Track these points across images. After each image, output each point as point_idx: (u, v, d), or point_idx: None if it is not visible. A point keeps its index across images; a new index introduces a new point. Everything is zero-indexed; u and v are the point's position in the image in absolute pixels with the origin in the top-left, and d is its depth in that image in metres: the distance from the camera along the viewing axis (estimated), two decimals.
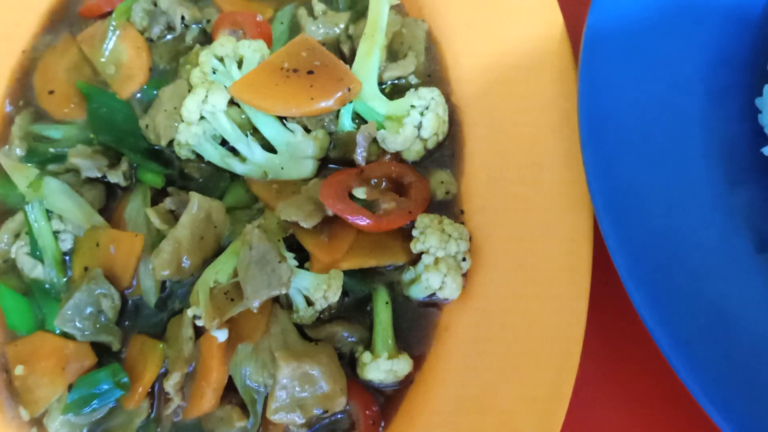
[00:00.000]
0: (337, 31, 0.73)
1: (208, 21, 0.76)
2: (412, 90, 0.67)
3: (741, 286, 0.59)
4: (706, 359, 0.55)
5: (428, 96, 0.66)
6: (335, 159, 0.66)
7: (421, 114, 0.65)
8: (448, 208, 0.66)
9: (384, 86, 0.71)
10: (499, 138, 0.66)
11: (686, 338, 0.55)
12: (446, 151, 0.68)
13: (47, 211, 0.69)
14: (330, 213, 0.61)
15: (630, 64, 0.62)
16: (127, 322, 0.66)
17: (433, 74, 0.72)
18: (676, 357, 0.55)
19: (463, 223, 0.64)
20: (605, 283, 0.60)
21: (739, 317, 0.58)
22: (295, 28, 0.74)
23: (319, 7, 0.74)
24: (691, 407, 0.54)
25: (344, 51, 0.71)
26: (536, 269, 0.60)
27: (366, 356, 0.59)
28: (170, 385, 0.59)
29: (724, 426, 0.52)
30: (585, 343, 0.57)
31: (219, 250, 0.63)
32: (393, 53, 0.72)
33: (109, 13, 0.77)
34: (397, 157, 0.67)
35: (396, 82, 0.71)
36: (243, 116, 0.66)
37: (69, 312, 0.62)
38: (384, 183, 0.65)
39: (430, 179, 0.66)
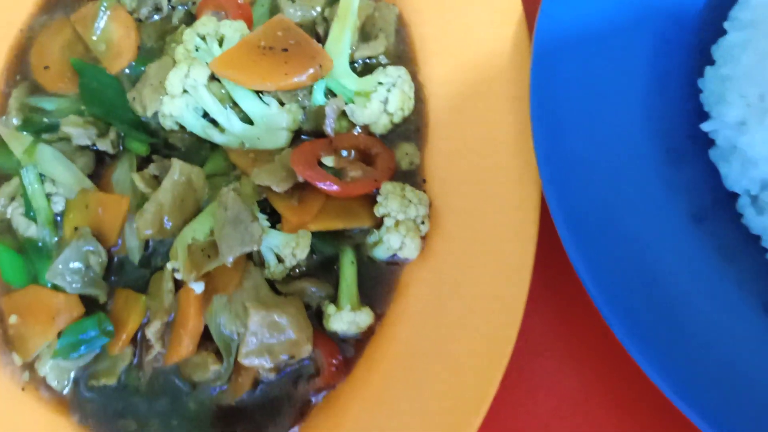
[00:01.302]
0: (314, 13, 0.77)
1: (194, 3, 0.80)
2: (381, 68, 0.72)
3: (675, 252, 0.64)
4: (639, 317, 0.60)
5: (395, 74, 0.71)
6: (308, 131, 0.72)
7: (388, 90, 0.70)
8: (412, 177, 0.71)
9: (356, 65, 0.75)
10: (459, 115, 0.71)
11: (621, 298, 0.60)
12: (411, 125, 0.73)
13: (41, 175, 0.74)
14: (300, 179, 0.66)
15: (578, 48, 0.66)
16: (113, 278, 0.71)
17: (402, 55, 0.76)
18: (612, 315, 0.59)
19: (424, 191, 0.70)
20: (551, 247, 0.65)
21: (672, 281, 0.63)
22: (274, 11, 0.78)
23: None
24: (626, 361, 0.59)
25: (319, 32, 0.75)
26: (488, 233, 0.65)
27: (331, 308, 0.65)
28: (151, 332, 0.65)
29: (653, 376, 0.57)
30: (532, 301, 0.63)
31: (198, 213, 0.68)
32: (365, 34, 0.77)
33: None
34: (366, 130, 0.72)
35: (368, 61, 0.75)
36: (223, 90, 0.70)
37: (60, 266, 0.68)
38: (353, 154, 0.71)
39: (396, 151, 0.71)
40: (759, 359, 0.59)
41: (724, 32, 0.68)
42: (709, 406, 0.56)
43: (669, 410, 0.57)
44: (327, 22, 0.76)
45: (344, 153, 0.70)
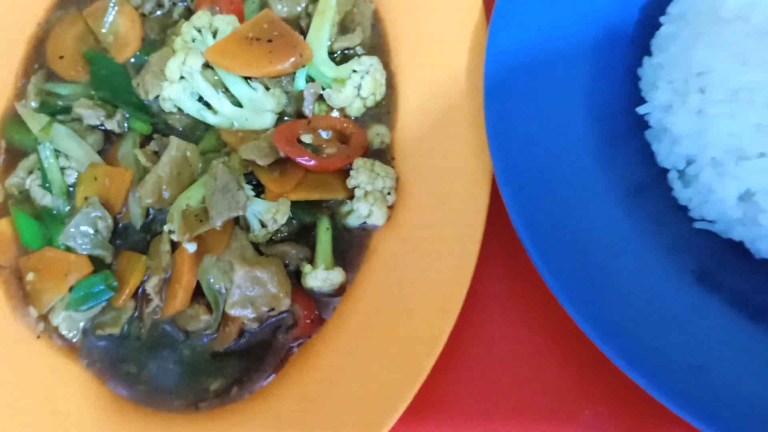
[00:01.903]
0: (299, 9, 0.85)
1: None
2: (356, 58, 0.81)
3: (613, 223, 0.70)
4: (576, 279, 0.66)
5: (368, 63, 0.79)
6: (290, 113, 0.80)
7: (362, 78, 0.78)
8: (383, 155, 0.79)
9: (336, 55, 0.83)
10: (425, 100, 0.78)
11: (559, 263, 0.66)
12: (383, 108, 0.81)
13: (56, 151, 0.82)
14: (282, 154, 0.75)
15: (527, 43, 0.73)
16: (118, 241, 0.80)
17: (377, 46, 0.84)
18: (551, 278, 0.65)
19: (393, 167, 0.78)
20: (502, 217, 0.73)
21: (608, 248, 0.69)
22: (264, 6, 0.85)
23: None
24: (565, 314, 0.67)
25: (303, 26, 0.84)
26: (446, 204, 0.72)
27: (307, 268, 0.73)
28: (150, 286, 0.74)
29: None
30: (484, 263, 0.71)
31: (193, 184, 0.77)
32: (345, 28, 0.85)
33: None
34: (342, 112, 0.80)
35: (346, 51, 0.83)
36: (215, 77, 0.79)
37: (71, 230, 0.77)
38: (331, 133, 0.79)
39: (369, 131, 0.79)
40: (683, 317, 0.65)
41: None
42: (637, 356, 0.62)
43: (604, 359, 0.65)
44: (309, 16, 0.84)
45: (323, 133, 0.79)
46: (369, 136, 0.79)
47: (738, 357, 0.61)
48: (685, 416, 0.58)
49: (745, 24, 0.64)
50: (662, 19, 0.75)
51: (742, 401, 0.59)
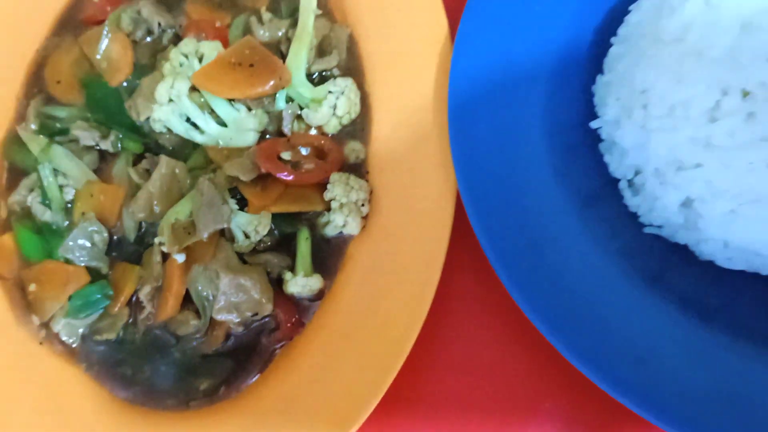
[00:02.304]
0: (279, 34, 0.90)
1: (180, 26, 0.93)
2: (332, 79, 0.87)
3: (569, 229, 0.74)
4: (534, 284, 0.71)
5: (343, 84, 0.85)
6: (272, 132, 0.86)
7: (337, 98, 0.84)
8: (358, 169, 0.84)
9: (314, 76, 0.89)
10: (396, 117, 0.84)
11: (518, 270, 0.71)
12: (358, 126, 0.86)
13: (54, 170, 0.87)
14: (263, 170, 0.81)
15: (488, 64, 0.78)
16: (113, 253, 0.85)
17: (352, 68, 0.89)
18: (506, 278, 0.71)
19: (367, 180, 0.84)
20: (467, 228, 0.79)
21: (564, 254, 0.73)
22: (247, 32, 0.91)
23: (266, 16, 0.91)
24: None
25: (283, 50, 0.89)
26: (416, 214, 0.78)
27: (288, 275, 0.79)
28: (143, 294, 0.79)
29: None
30: (451, 268, 0.77)
31: (181, 199, 0.83)
32: (322, 51, 0.90)
33: (104, 21, 0.93)
34: (320, 130, 0.86)
35: (324, 73, 0.89)
36: (202, 99, 0.85)
37: (70, 244, 0.82)
38: (309, 150, 0.85)
39: (344, 147, 0.85)
40: (631, 315, 0.70)
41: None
42: (585, 350, 0.67)
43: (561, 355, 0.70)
44: (289, 41, 0.90)
45: (303, 149, 0.85)
46: (345, 151, 0.85)
47: (677, 350, 0.67)
48: (625, 402, 0.63)
49: (681, 45, 0.69)
50: (613, 39, 0.81)
51: (680, 390, 0.64)
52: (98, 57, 0.93)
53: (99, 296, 0.81)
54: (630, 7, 0.81)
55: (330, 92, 0.84)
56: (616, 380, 0.65)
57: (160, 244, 0.79)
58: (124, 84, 0.92)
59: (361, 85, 0.88)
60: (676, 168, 0.70)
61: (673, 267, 0.75)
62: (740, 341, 0.69)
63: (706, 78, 0.67)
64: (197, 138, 0.85)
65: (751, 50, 0.65)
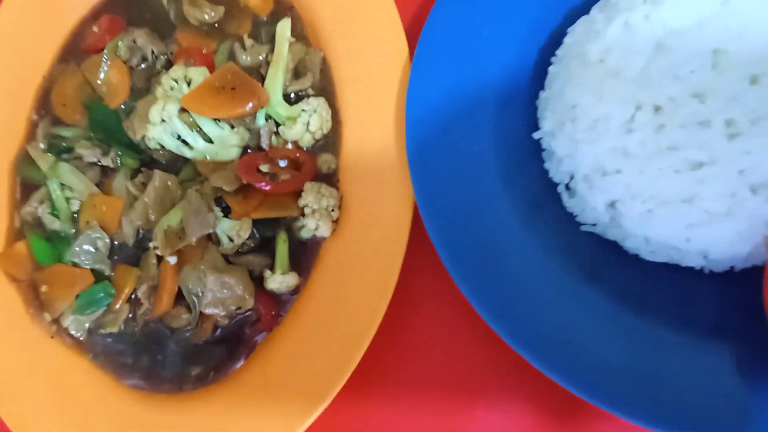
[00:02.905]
0: (260, 59, 0.98)
1: (172, 53, 1.00)
2: (306, 98, 0.96)
3: (515, 230, 0.81)
4: (471, 273, 0.78)
5: (315, 103, 0.94)
6: (253, 146, 0.94)
7: (309, 115, 0.93)
8: (330, 178, 0.92)
9: (291, 96, 0.98)
10: (364, 132, 0.91)
11: (463, 263, 0.79)
12: (330, 139, 0.94)
13: (61, 184, 0.95)
14: (245, 181, 0.91)
15: (442, 83, 0.86)
16: (115, 257, 0.93)
17: (325, 88, 0.96)
18: (455, 273, 0.78)
19: (338, 188, 0.93)
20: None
21: (510, 253, 0.80)
22: (231, 58, 0.99)
23: (248, 43, 0.99)
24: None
25: (263, 73, 0.98)
26: (380, 217, 0.85)
27: (268, 273, 0.88)
28: (141, 292, 0.89)
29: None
30: (411, 264, 0.86)
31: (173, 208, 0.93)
32: (298, 73, 0.98)
33: (103, 49, 1.00)
34: (296, 144, 0.95)
35: (299, 93, 0.97)
36: (190, 119, 0.91)
37: (77, 249, 0.91)
38: (286, 162, 0.95)
39: (318, 159, 0.92)
40: (566, 305, 0.78)
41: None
42: (522, 334, 0.75)
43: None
44: (269, 64, 1.01)
45: (281, 162, 0.95)
46: (318, 163, 0.94)
47: (599, 333, 0.75)
48: (552, 377, 0.72)
49: (602, 66, 0.79)
50: (552, 59, 0.91)
51: (600, 366, 0.72)
52: (99, 82, 1.00)
53: (102, 295, 0.90)
54: (567, 30, 0.90)
55: (304, 110, 0.93)
56: (545, 359, 0.73)
57: (155, 247, 0.89)
58: (122, 106, 0.99)
59: (332, 104, 0.95)
60: (601, 174, 0.79)
61: (606, 260, 0.82)
62: (656, 325, 0.76)
63: (622, 95, 0.76)
64: (187, 153, 0.94)
65: (661, 70, 0.75)
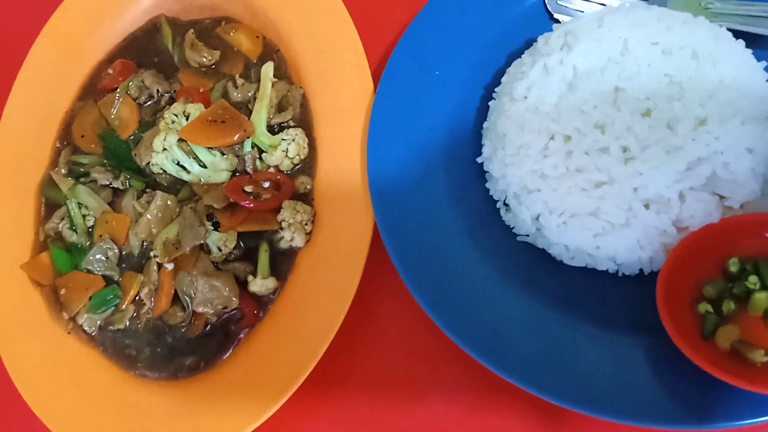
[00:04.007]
0: (249, 95, 1.12)
1: (174, 91, 1.14)
2: (286, 129, 1.12)
3: (458, 245, 0.91)
4: (421, 277, 0.88)
5: (294, 133, 1.09)
6: (240, 170, 1.09)
7: (288, 144, 1.09)
8: (306, 197, 1.03)
9: (275, 127, 1.15)
10: (335, 158, 1.04)
11: (416, 273, 0.89)
12: (307, 164, 1.06)
13: (79, 204, 1.07)
14: (232, 200, 1.07)
15: (398, 116, 0.98)
16: (123, 264, 1.05)
17: (304, 120, 1.09)
18: (407, 279, 0.88)
19: (312, 206, 1.07)
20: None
21: (450, 261, 0.90)
22: (225, 95, 1.13)
23: (239, 82, 1.14)
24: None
25: (250, 108, 1.15)
26: (345, 231, 0.98)
27: (250, 278, 1.02)
28: (144, 294, 1.04)
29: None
30: (376, 271, 1.00)
31: (171, 223, 1.09)
32: (281, 107, 1.13)
33: (116, 88, 1.14)
34: (277, 168, 1.11)
35: (282, 124, 1.12)
36: (188, 147, 1.05)
37: (91, 258, 1.04)
38: (269, 183, 1.11)
39: (296, 180, 1.04)
40: (500, 303, 0.88)
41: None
42: (460, 329, 0.85)
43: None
44: (256, 100, 1.17)
45: (265, 183, 1.11)
46: (296, 184, 1.06)
47: (522, 325, 0.86)
48: (482, 362, 0.83)
49: (525, 102, 0.93)
50: (493, 95, 1.06)
51: (521, 353, 0.84)
52: (112, 116, 1.14)
53: (111, 296, 1.02)
54: (507, 70, 1.06)
55: (284, 139, 1.09)
56: (476, 346, 0.84)
57: (155, 256, 1.05)
58: (132, 137, 1.12)
59: (310, 134, 1.09)
60: (526, 192, 0.92)
61: (538, 266, 0.94)
62: (576, 320, 0.88)
63: (539, 127, 0.90)
64: (185, 177, 1.07)
65: (570, 105, 0.90)
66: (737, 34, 0.96)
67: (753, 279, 0.82)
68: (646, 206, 0.85)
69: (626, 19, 0.90)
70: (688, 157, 0.82)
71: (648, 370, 0.84)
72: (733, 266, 0.84)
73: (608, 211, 0.85)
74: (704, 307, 0.82)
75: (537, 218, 0.93)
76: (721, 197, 0.86)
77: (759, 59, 0.93)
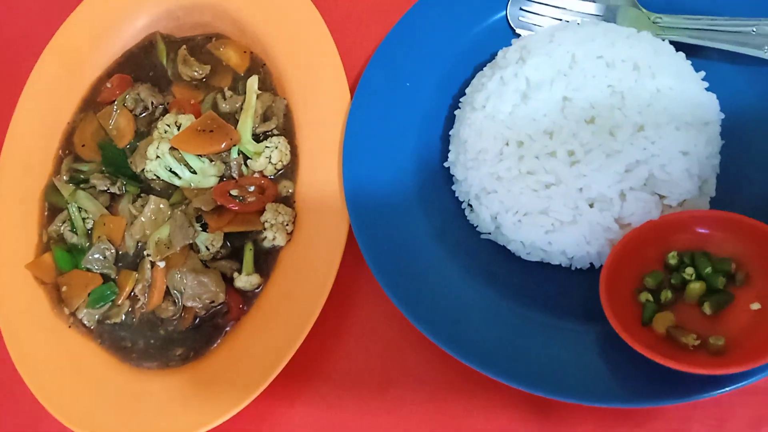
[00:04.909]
0: (237, 106, 1.16)
1: (168, 103, 1.18)
2: (270, 137, 1.22)
3: (427, 243, 0.97)
4: (390, 272, 0.93)
5: (276, 141, 1.17)
6: (227, 176, 1.13)
7: (271, 151, 1.18)
8: (288, 200, 1.08)
9: (260, 135, 1.24)
10: (314, 164, 1.09)
11: (387, 271, 0.94)
12: (289, 169, 1.11)
13: (79, 208, 1.12)
14: (219, 203, 1.16)
15: (370, 127, 1.04)
16: (119, 263, 1.10)
17: (287, 128, 1.14)
18: (379, 276, 0.93)
19: (293, 208, 1.15)
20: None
21: (419, 258, 0.96)
22: (214, 106, 1.17)
23: (228, 94, 1.18)
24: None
25: (237, 118, 1.25)
26: (323, 231, 1.04)
27: (236, 274, 1.09)
28: (138, 290, 1.12)
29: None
30: (353, 268, 1.07)
31: (163, 224, 1.19)
32: (266, 117, 1.20)
33: (114, 101, 1.19)
34: (261, 173, 1.18)
35: (267, 132, 1.18)
36: (179, 155, 1.10)
37: (90, 257, 1.09)
38: (253, 187, 1.20)
39: (279, 185, 1.09)
40: (460, 295, 0.94)
41: None
42: (426, 320, 0.90)
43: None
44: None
45: (250, 187, 1.20)
46: (279, 188, 1.11)
47: (481, 314, 0.93)
48: (445, 348, 0.89)
49: (482, 111, 1.02)
50: (459, 104, 1.15)
51: (479, 339, 0.90)
52: (110, 127, 1.20)
53: (109, 293, 1.08)
54: (471, 82, 1.14)
55: (267, 147, 1.18)
56: (440, 335, 0.88)
57: (149, 255, 1.15)
58: (128, 146, 1.18)
59: (292, 141, 1.15)
60: (485, 193, 1.00)
61: (500, 261, 1.01)
62: (533, 311, 0.94)
63: (495, 133, 0.98)
64: (176, 182, 1.12)
65: (523, 114, 0.98)
66: (683, 46, 1.04)
67: (689, 270, 0.89)
68: (591, 205, 0.92)
69: (575, 34, 0.98)
70: (626, 159, 0.90)
71: (595, 354, 0.91)
72: (672, 259, 0.91)
73: (557, 209, 0.93)
74: (645, 296, 0.89)
75: (495, 217, 1.00)
76: (661, 196, 0.93)
77: (701, 69, 1.01)
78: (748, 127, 0.98)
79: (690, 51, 1.02)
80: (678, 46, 1.03)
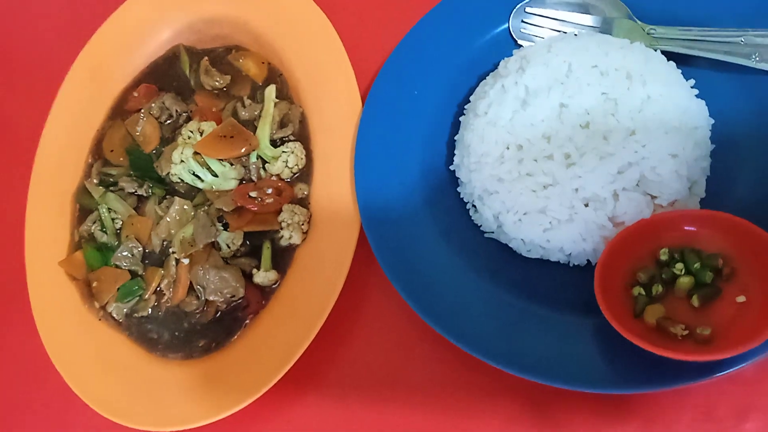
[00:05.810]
0: (255, 114, 1.20)
1: (191, 111, 1.22)
2: (287, 143, 1.29)
3: (434, 243, 1.00)
4: (399, 269, 0.96)
5: (292, 146, 1.20)
6: (246, 179, 1.17)
7: (288, 156, 1.25)
8: (303, 201, 1.12)
9: (277, 141, 1.26)
10: (328, 168, 1.12)
11: (397, 269, 0.97)
12: (304, 173, 1.15)
13: (109, 209, 1.17)
14: (239, 204, 1.24)
15: (381, 129, 1.06)
16: (146, 261, 1.15)
17: (303, 134, 1.18)
18: (389, 273, 0.96)
19: (308, 209, 1.20)
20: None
21: (427, 257, 1.00)
22: (234, 113, 1.20)
23: (247, 102, 1.21)
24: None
25: (256, 125, 1.31)
26: (336, 230, 1.09)
27: (255, 271, 1.15)
28: (164, 285, 1.20)
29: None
30: (363, 270, 1.13)
31: (187, 224, 1.26)
32: (283, 124, 1.24)
33: (141, 109, 1.23)
34: (278, 177, 1.23)
35: (283, 138, 1.20)
36: (202, 159, 1.14)
37: (119, 255, 1.14)
38: (271, 190, 1.28)
39: (295, 187, 1.13)
40: (462, 289, 0.98)
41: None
42: (437, 316, 0.95)
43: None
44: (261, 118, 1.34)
45: (268, 189, 1.27)
46: (295, 190, 1.15)
47: (480, 306, 0.99)
48: (447, 336, 0.94)
49: (485, 117, 1.08)
50: (464, 111, 1.21)
51: (478, 329, 0.95)
52: (137, 133, 1.24)
53: (136, 288, 1.13)
54: (475, 90, 1.21)
55: (284, 152, 1.26)
56: (443, 325, 0.92)
57: (174, 253, 1.21)
58: (154, 151, 1.24)
59: (307, 146, 1.17)
60: (488, 194, 1.06)
61: (503, 258, 1.05)
62: (532, 304, 0.99)
63: (496, 138, 1.05)
64: (199, 185, 1.16)
65: (522, 120, 1.05)
66: (675, 56, 1.10)
67: (679, 266, 0.95)
68: (586, 204, 0.98)
69: (571, 45, 1.05)
70: (619, 162, 0.96)
71: (590, 344, 0.96)
72: (664, 255, 0.97)
73: (554, 209, 0.99)
74: (637, 290, 0.95)
75: (497, 217, 1.06)
76: (653, 196, 1.00)
77: (693, 77, 1.07)
78: (736, 132, 1.04)
79: (682, 60, 1.08)
80: (671, 55, 1.09)
